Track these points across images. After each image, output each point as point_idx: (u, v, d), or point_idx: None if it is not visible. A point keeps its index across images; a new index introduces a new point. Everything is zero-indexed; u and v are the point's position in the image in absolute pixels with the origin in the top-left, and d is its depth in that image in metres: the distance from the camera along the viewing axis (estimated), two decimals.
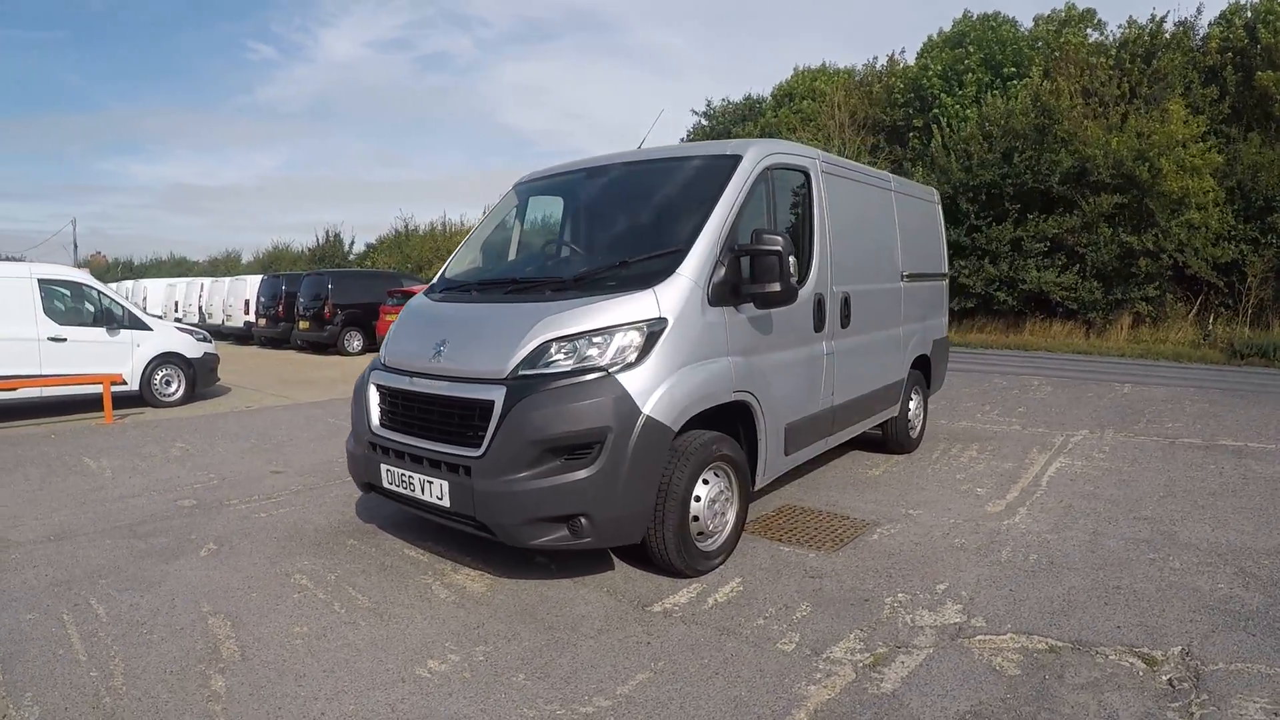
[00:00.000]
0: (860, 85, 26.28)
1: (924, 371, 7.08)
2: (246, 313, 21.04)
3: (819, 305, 4.73)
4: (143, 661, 3.14)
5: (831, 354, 4.96)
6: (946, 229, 21.65)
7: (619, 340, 3.51)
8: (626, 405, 3.40)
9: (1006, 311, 18.71)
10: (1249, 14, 19.52)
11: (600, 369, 3.47)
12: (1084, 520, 4.76)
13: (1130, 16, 22.60)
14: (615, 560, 4.08)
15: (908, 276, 6.40)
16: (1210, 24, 20.28)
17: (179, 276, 34.98)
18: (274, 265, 39.32)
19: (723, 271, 3.84)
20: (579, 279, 3.97)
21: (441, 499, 3.69)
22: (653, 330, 3.55)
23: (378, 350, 4.65)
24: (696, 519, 3.78)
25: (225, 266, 46.39)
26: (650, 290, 3.62)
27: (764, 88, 35.02)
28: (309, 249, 39.16)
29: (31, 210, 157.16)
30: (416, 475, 3.81)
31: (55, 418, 8.91)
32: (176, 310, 25.26)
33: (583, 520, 3.40)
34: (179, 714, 2.75)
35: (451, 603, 3.67)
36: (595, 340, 3.51)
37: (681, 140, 34.88)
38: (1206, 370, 13.17)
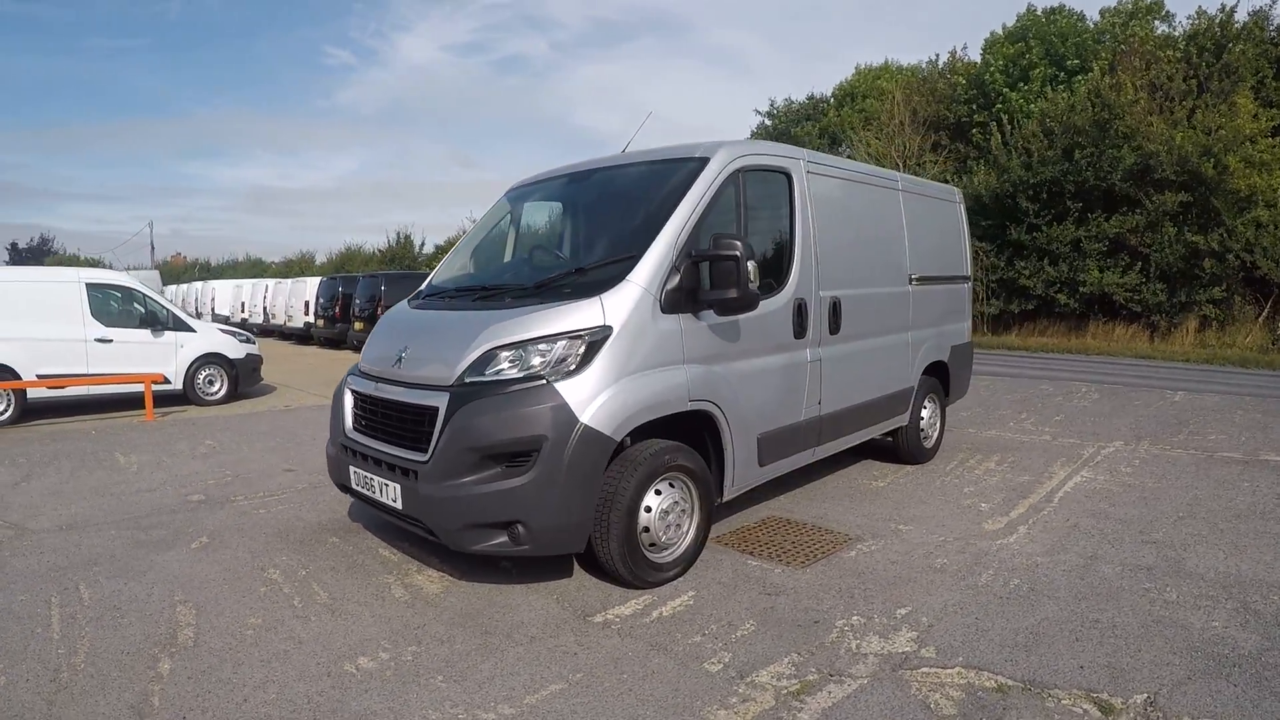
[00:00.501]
0: (924, 83, 25.56)
1: (941, 379, 6.78)
2: (306, 314, 21.94)
3: (799, 311, 4.58)
4: (106, 643, 3.35)
5: (817, 361, 4.80)
6: (1008, 228, 20.84)
7: (560, 349, 3.49)
8: (564, 414, 3.37)
9: (1068, 314, 17.84)
10: None
11: (540, 377, 3.45)
12: (1085, 542, 4.45)
13: (1199, 7, 21.27)
14: (575, 568, 4.06)
15: (918, 280, 6.15)
16: None
17: (254, 277, 36.69)
18: (345, 266, 40.57)
19: (678, 278, 3.76)
20: (540, 286, 3.97)
21: (395, 501, 3.75)
22: (595, 339, 3.51)
23: None
24: (647, 530, 3.71)
25: (299, 267, 48.29)
26: (597, 298, 3.58)
27: (830, 87, 34.45)
28: (380, 250, 39.96)
29: (118, 212, 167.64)
30: (376, 478, 3.89)
31: (101, 415, 9.47)
32: (243, 311, 26.58)
33: (520, 528, 3.39)
34: (119, 691, 2.94)
35: (403, 602, 3.72)
36: (539, 348, 3.50)
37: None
38: (1272, 376, 12.24)
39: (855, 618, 3.47)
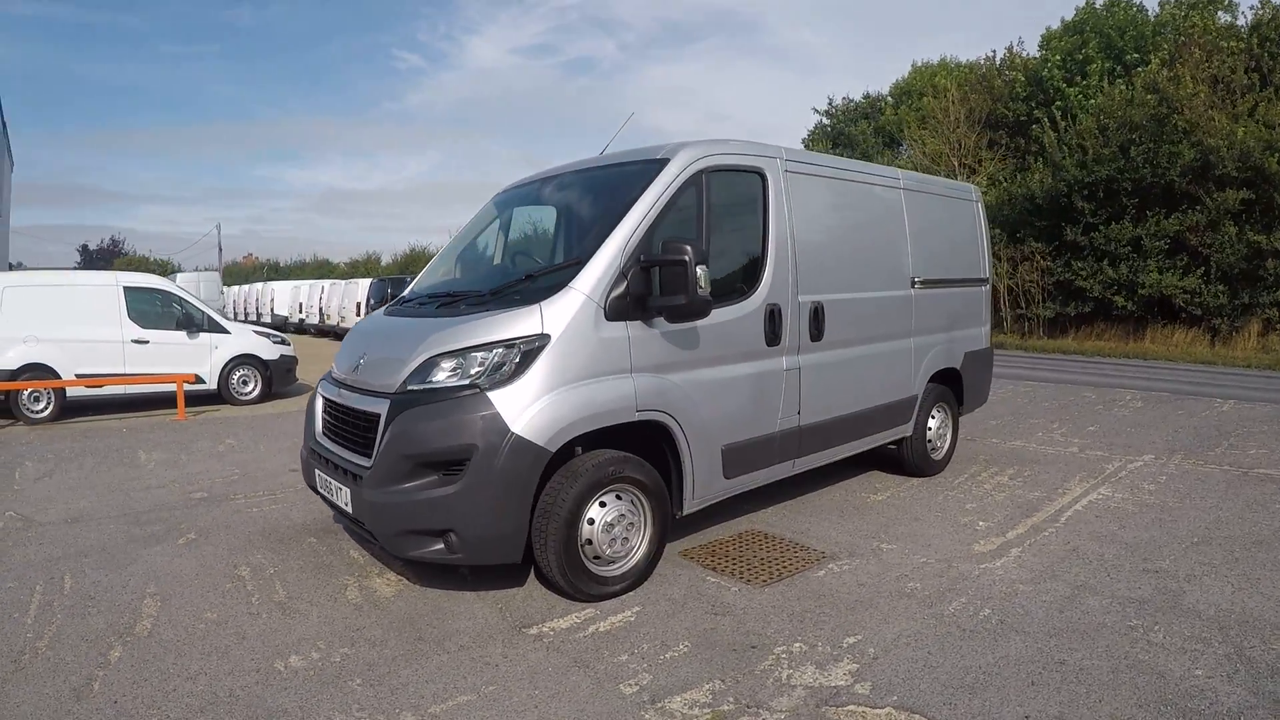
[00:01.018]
0: (981, 80, 24.65)
1: (953, 386, 6.46)
2: (358, 314, 22.64)
3: (772, 317, 4.42)
4: (72, 630, 3.51)
5: (795, 369, 4.63)
6: (1063, 228, 19.88)
7: (496, 357, 3.45)
8: (495, 424, 3.33)
9: (1126, 317, 16.90)
10: None
11: (476, 386, 3.42)
12: (1078, 569, 4.12)
13: None
14: (530, 577, 4.01)
15: (921, 283, 5.87)
16: None
17: (321, 278, 38.06)
18: (410, 268, 41.80)
19: (625, 284, 3.67)
20: (495, 292, 3.94)
21: (346, 505, 3.79)
22: (530, 348, 3.45)
23: None
24: (590, 542, 3.64)
25: (364, 268, 49.92)
26: (536, 306, 3.53)
27: (889, 85, 33.68)
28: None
29: (190, 214, 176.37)
30: (333, 481, 3.93)
31: (136, 413, 9.92)
32: (300, 311, 27.60)
33: (452, 536, 3.37)
34: (68, 675, 3.10)
35: (353, 604, 3.76)
36: (476, 356, 3.48)
37: (802, 140, 34.18)
38: None
39: (797, 644, 3.28)
